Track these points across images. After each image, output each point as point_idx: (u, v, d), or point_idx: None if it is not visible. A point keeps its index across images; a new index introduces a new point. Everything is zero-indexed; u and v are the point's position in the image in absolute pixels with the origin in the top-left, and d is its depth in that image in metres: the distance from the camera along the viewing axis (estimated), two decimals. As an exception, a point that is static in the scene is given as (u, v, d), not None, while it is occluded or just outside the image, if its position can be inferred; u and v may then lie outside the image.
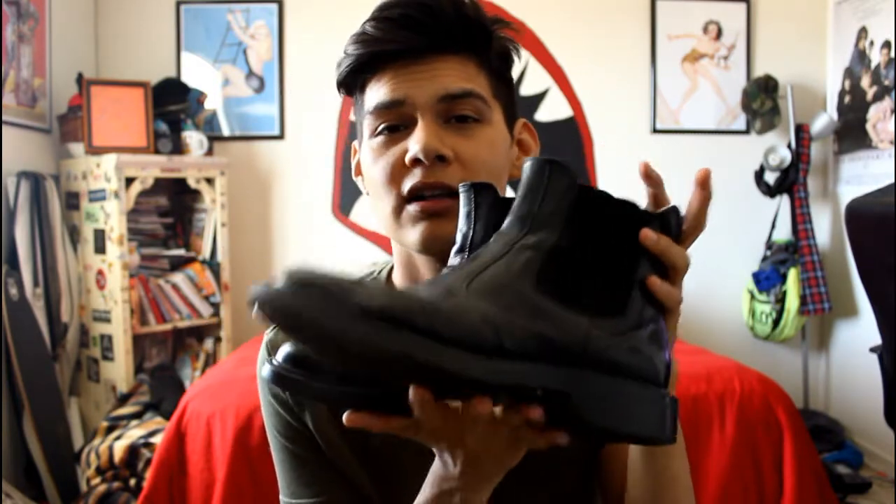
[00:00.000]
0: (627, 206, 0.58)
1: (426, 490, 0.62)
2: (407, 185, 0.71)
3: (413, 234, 0.72)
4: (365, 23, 0.74)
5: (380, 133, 0.74)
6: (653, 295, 0.57)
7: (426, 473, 0.64)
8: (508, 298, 0.53)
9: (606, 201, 0.58)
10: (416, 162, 0.70)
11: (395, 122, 0.73)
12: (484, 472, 0.59)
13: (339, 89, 0.79)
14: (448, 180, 0.70)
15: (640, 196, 0.61)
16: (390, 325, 0.46)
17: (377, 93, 0.73)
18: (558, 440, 0.54)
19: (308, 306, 0.48)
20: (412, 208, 0.72)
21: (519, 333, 0.51)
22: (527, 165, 0.58)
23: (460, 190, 0.60)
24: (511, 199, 0.59)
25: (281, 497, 0.83)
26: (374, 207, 0.78)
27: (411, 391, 0.51)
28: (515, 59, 0.79)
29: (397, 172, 0.72)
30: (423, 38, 0.72)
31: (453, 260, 0.59)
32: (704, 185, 0.60)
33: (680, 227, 0.61)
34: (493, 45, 0.76)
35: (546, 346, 0.52)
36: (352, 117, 0.81)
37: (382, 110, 0.73)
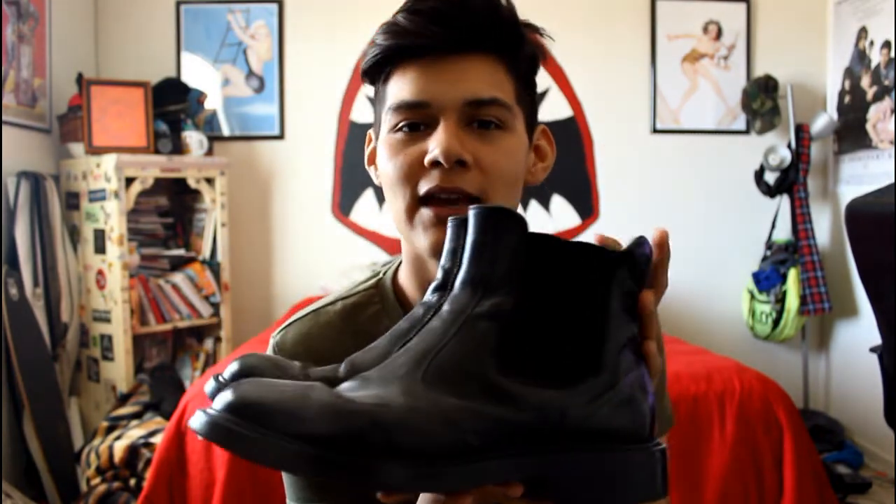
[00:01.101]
0: (588, 251, 0.52)
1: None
2: (423, 187, 0.70)
3: (425, 238, 0.72)
4: (397, 13, 0.72)
5: (399, 130, 0.72)
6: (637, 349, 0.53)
7: None
8: (468, 386, 0.48)
9: (563, 249, 0.51)
10: (435, 164, 0.69)
11: (417, 121, 0.72)
12: None
13: (362, 78, 0.77)
14: (466, 185, 0.69)
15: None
16: (340, 451, 0.43)
17: (402, 89, 0.72)
18: None
19: (249, 438, 0.43)
20: (426, 212, 0.71)
21: (483, 427, 0.47)
22: (471, 217, 0.52)
23: (449, 224, 0.55)
24: (547, 238, 0.53)
25: (288, 501, 0.82)
26: (388, 201, 0.76)
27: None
28: (541, 66, 0.78)
29: (414, 172, 0.71)
30: (454, 35, 0.70)
31: (430, 296, 0.54)
32: (662, 246, 0.56)
33: (649, 260, 0.54)
34: (523, 49, 0.75)
35: (515, 433, 0.48)
36: (366, 97, 0.79)
37: (405, 109, 0.71)
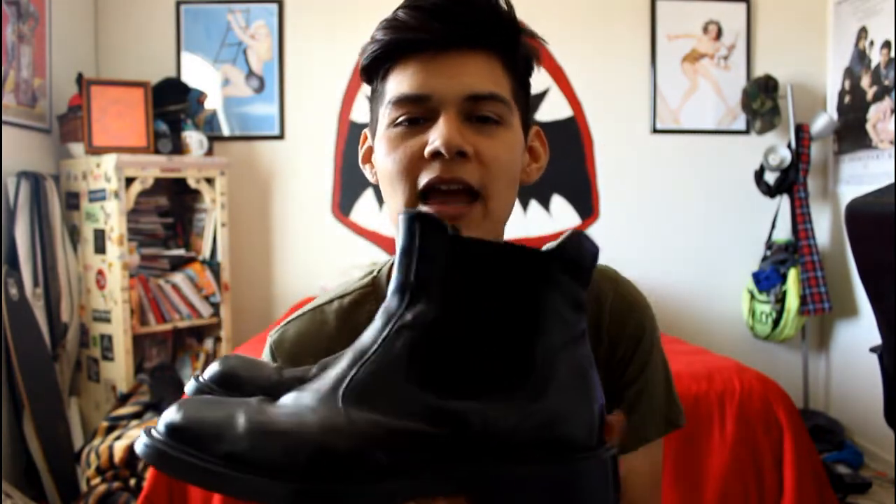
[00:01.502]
0: (516, 252, 0.49)
1: None
2: (424, 178, 0.71)
3: None
4: (397, 9, 0.72)
5: (399, 124, 0.73)
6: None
7: None
8: (383, 401, 0.47)
9: (490, 252, 0.49)
10: (435, 155, 0.70)
11: (417, 115, 0.72)
12: None
13: (360, 75, 0.78)
14: (466, 176, 0.70)
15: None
16: (255, 470, 0.45)
17: (401, 83, 0.72)
18: None
19: (180, 461, 0.45)
20: (426, 210, 0.71)
21: (395, 444, 0.46)
22: (399, 222, 0.51)
23: (400, 218, 0.52)
24: (472, 242, 0.50)
25: None
26: (385, 199, 0.77)
27: None
28: (536, 68, 0.79)
29: (414, 164, 0.71)
30: (454, 31, 0.71)
31: (391, 301, 0.51)
32: (611, 434, 0.53)
33: (595, 259, 0.51)
34: (520, 48, 0.76)
35: (429, 449, 0.47)
36: (367, 92, 0.79)
37: (406, 102, 0.72)
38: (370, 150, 0.80)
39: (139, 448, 0.47)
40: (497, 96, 0.72)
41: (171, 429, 0.46)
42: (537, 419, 0.48)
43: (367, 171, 0.82)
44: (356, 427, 0.46)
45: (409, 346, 0.49)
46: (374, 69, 0.75)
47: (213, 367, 0.58)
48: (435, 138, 0.69)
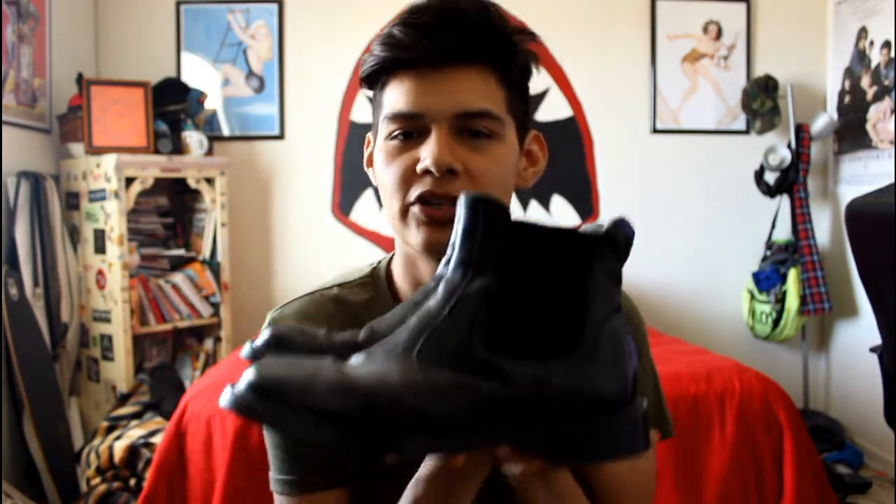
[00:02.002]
0: (568, 236, 0.56)
1: (427, 464, 0.66)
2: (415, 192, 0.74)
3: (417, 236, 0.75)
4: (393, 26, 0.75)
5: (394, 138, 0.76)
6: None
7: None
8: (458, 362, 0.53)
9: (545, 234, 0.56)
10: (426, 172, 0.73)
11: (411, 130, 0.75)
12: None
13: (360, 84, 0.81)
14: (455, 192, 0.72)
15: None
16: (343, 423, 0.50)
17: (397, 99, 0.75)
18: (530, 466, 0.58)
19: (266, 413, 0.50)
20: (417, 210, 0.75)
21: (472, 400, 0.52)
22: (461, 204, 0.57)
23: (461, 199, 0.58)
24: (530, 225, 0.57)
25: (270, 474, 0.83)
26: (383, 202, 0.80)
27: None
28: (535, 72, 0.81)
29: (408, 178, 0.75)
30: (446, 48, 0.73)
31: (441, 269, 0.58)
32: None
33: (631, 240, 0.58)
34: (515, 58, 0.77)
35: (501, 405, 0.53)
36: (365, 94, 0.84)
37: (400, 119, 0.75)
38: (373, 155, 0.83)
39: (224, 402, 0.51)
40: (488, 113, 0.74)
41: (256, 386, 0.50)
42: (586, 380, 0.55)
43: (370, 173, 0.85)
44: (433, 384, 0.52)
45: (475, 313, 0.55)
46: (372, 80, 0.79)
47: (266, 334, 0.62)
48: (426, 156, 0.73)
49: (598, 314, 0.56)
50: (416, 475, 0.67)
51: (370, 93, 0.82)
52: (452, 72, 0.74)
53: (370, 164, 0.84)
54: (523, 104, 0.81)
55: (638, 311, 0.89)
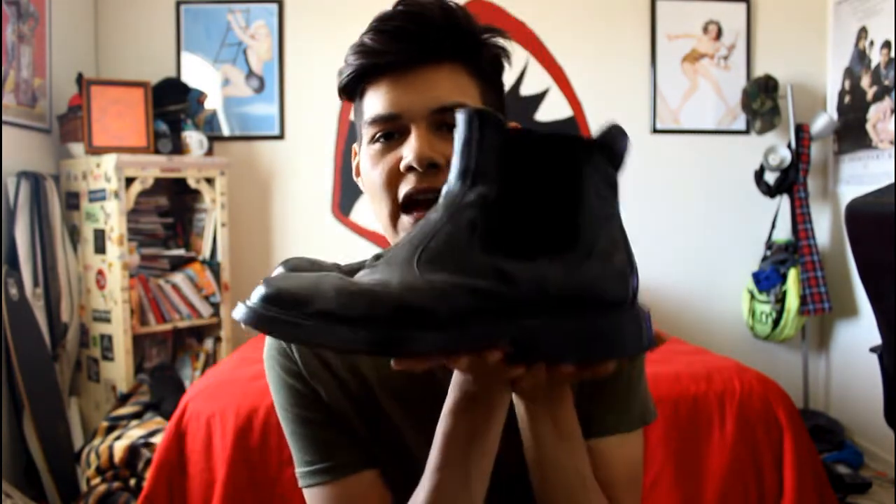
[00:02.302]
0: (561, 140, 0.58)
1: (451, 396, 0.68)
2: (402, 190, 0.77)
3: None
4: (363, 34, 0.78)
5: (377, 140, 0.79)
6: None
7: (411, 417, 0.76)
8: (457, 265, 0.55)
9: (540, 140, 0.57)
10: (410, 169, 0.75)
11: (391, 131, 0.78)
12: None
13: (340, 95, 0.84)
14: (440, 185, 0.74)
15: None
16: (346, 323, 0.52)
17: (375, 103, 0.78)
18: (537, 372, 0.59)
19: (276, 320, 0.52)
20: (407, 219, 0.77)
21: (471, 298, 0.54)
22: (458, 119, 0.59)
23: (458, 116, 0.59)
24: (524, 131, 0.58)
25: (297, 471, 0.83)
26: (374, 208, 0.83)
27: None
28: (506, 65, 0.84)
29: (393, 178, 0.77)
30: (416, 49, 0.76)
31: (454, 186, 0.59)
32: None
33: (625, 148, 0.59)
34: (484, 53, 0.80)
35: (500, 301, 0.54)
36: (351, 117, 0.87)
37: (379, 121, 0.78)
38: (360, 165, 0.86)
39: (238, 314, 0.53)
40: (463, 106, 0.75)
41: (266, 296, 0.53)
42: (583, 277, 0.56)
43: (360, 182, 0.87)
44: (432, 285, 0.54)
45: (474, 220, 0.56)
46: (351, 90, 0.82)
47: (279, 269, 0.66)
48: (407, 153, 0.75)
49: (595, 215, 0.57)
50: (443, 409, 0.69)
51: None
52: (425, 71, 0.77)
53: (359, 173, 0.87)
54: (498, 97, 0.84)
55: None
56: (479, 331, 0.54)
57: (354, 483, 0.79)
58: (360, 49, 0.78)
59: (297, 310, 0.51)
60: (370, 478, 0.80)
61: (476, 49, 0.80)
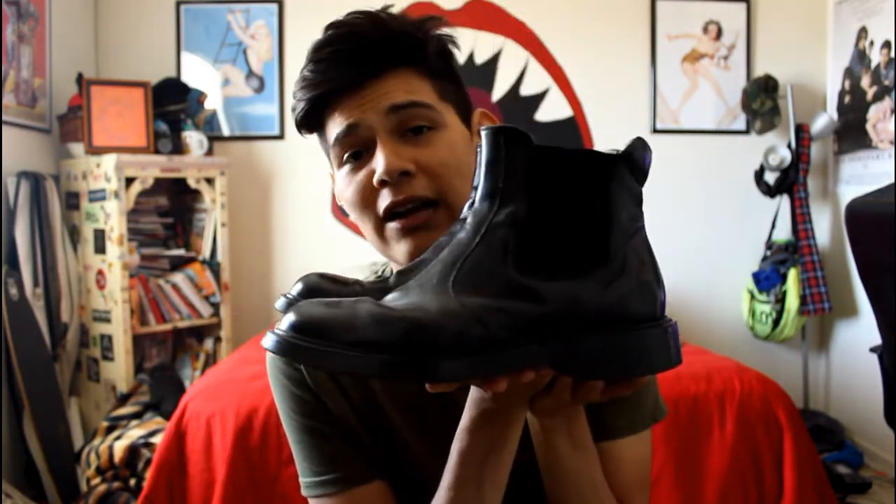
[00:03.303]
0: (588, 155, 0.58)
1: (468, 414, 0.67)
2: (381, 205, 0.76)
3: (400, 249, 0.77)
4: (303, 69, 0.78)
5: (346, 162, 0.79)
6: None
7: (418, 429, 0.74)
8: (491, 286, 0.55)
9: (566, 156, 0.58)
10: (383, 183, 0.74)
11: (357, 149, 0.77)
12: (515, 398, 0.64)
13: (299, 130, 0.84)
14: (418, 192, 0.74)
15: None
16: (387, 352, 0.51)
17: (334, 127, 0.78)
18: (563, 389, 0.60)
19: (312, 350, 0.51)
20: (392, 226, 0.76)
21: (507, 321, 0.54)
22: (483, 137, 0.58)
23: (483, 133, 0.59)
24: (552, 149, 0.58)
25: (301, 481, 0.83)
26: (361, 229, 0.82)
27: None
28: (455, 49, 0.82)
29: (369, 195, 0.76)
30: (357, 68, 0.76)
31: (480, 205, 0.59)
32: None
33: (649, 162, 0.60)
34: (426, 48, 0.79)
35: (536, 323, 0.54)
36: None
37: (343, 140, 0.77)
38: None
39: (268, 344, 0.52)
40: (417, 103, 0.76)
41: (298, 325, 0.52)
42: (615, 297, 0.56)
43: (343, 206, 0.85)
44: (468, 309, 0.53)
45: (505, 240, 0.56)
46: (310, 124, 0.82)
47: (299, 285, 0.65)
48: (377, 167, 0.74)
49: (623, 231, 0.57)
50: (459, 427, 0.68)
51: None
52: (373, 83, 0.76)
53: (339, 200, 0.86)
54: (455, 87, 0.81)
55: None
56: (517, 353, 0.54)
57: (362, 494, 0.79)
58: (305, 83, 0.78)
59: (334, 339, 0.51)
60: (378, 488, 0.80)
61: (416, 48, 0.78)
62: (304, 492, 0.82)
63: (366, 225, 0.79)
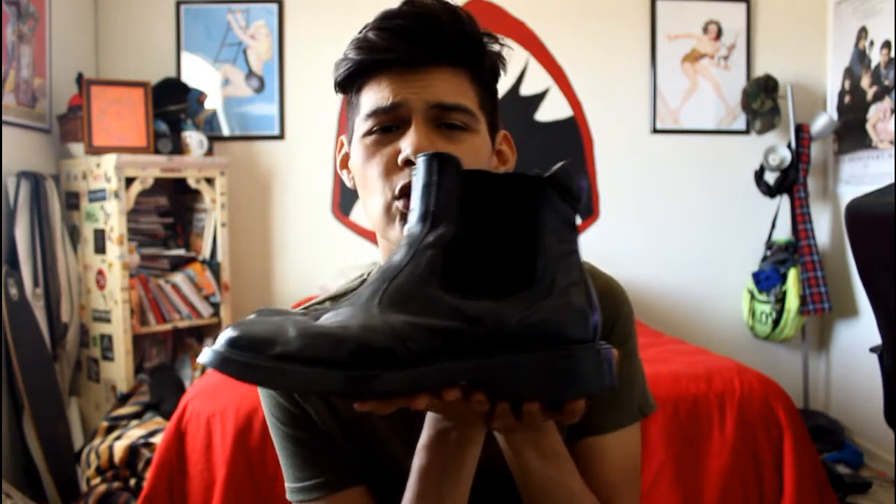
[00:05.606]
0: (515, 179, 0.59)
1: (426, 432, 0.69)
2: (399, 183, 0.76)
3: (400, 230, 0.77)
4: (367, 30, 0.77)
5: (373, 133, 0.78)
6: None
7: (406, 443, 0.74)
8: (415, 305, 0.56)
9: (496, 180, 0.59)
10: (407, 162, 0.74)
11: (389, 124, 0.77)
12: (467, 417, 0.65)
13: (336, 88, 0.83)
14: None
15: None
16: (308, 363, 0.52)
17: (375, 96, 0.77)
18: (499, 412, 0.60)
19: (239, 363, 0.53)
20: (400, 203, 0.76)
21: (426, 337, 0.54)
22: (418, 162, 0.60)
23: (419, 160, 0.60)
24: (481, 173, 0.60)
25: (286, 486, 0.84)
26: (364, 202, 0.82)
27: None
28: (502, 73, 0.84)
29: (390, 170, 0.76)
30: (421, 49, 0.76)
31: (415, 227, 0.60)
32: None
33: (582, 186, 0.60)
34: (485, 59, 0.80)
35: (455, 341, 0.55)
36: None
37: (379, 113, 0.77)
38: (347, 157, 0.86)
39: (204, 359, 0.54)
40: (462, 107, 0.77)
41: (231, 340, 0.54)
42: (540, 316, 0.57)
43: (344, 175, 0.87)
44: (392, 326, 0.55)
45: (433, 260, 0.58)
46: (348, 84, 0.81)
47: (252, 317, 0.67)
48: (406, 146, 0.74)
49: (552, 253, 0.58)
50: (418, 444, 0.70)
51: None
52: (427, 71, 0.76)
53: (344, 165, 0.87)
54: (493, 103, 0.84)
55: (624, 295, 0.89)
56: (436, 371, 0.54)
57: (345, 499, 0.81)
58: (363, 44, 0.77)
59: (260, 353, 0.52)
60: (360, 493, 0.82)
61: (477, 54, 0.80)
62: (288, 496, 0.84)
63: (374, 198, 0.79)
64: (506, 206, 0.58)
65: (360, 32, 0.78)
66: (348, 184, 0.86)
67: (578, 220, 0.62)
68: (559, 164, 0.60)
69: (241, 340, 0.53)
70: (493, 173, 0.59)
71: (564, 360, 0.57)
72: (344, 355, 0.53)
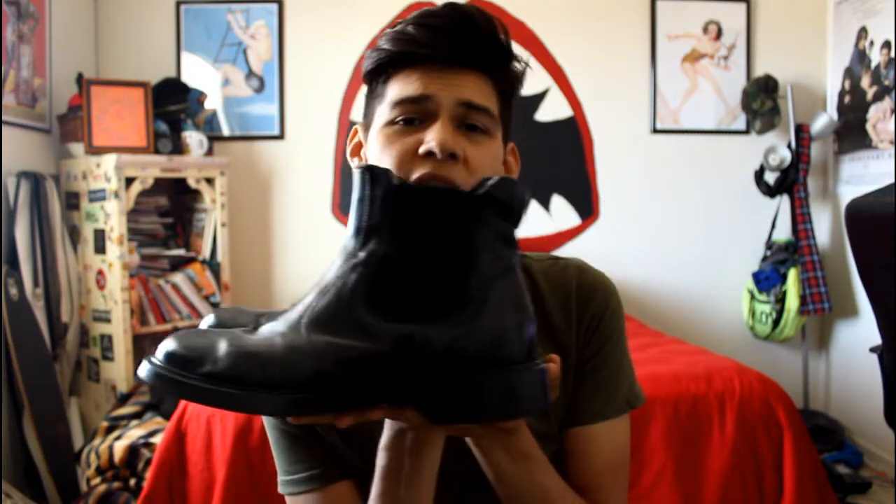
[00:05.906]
0: (449, 195, 0.58)
1: (385, 432, 0.70)
2: (416, 173, 0.75)
3: None
4: (406, 24, 0.79)
5: (396, 123, 0.79)
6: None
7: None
8: (339, 326, 0.56)
9: (431, 195, 0.58)
10: (428, 154, 0.75)
11: (414, 116, 0.78)
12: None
13: (363, 77, 0.85)
14: (454, 176, 0.75)
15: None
16: (233, 384, 0.53)
17: (404, 87, 0.78)
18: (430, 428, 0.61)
19: (170, 380, 0.54)
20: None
21: (346, 359, 0.54)
22: (354, 175, 0.59)
23: (354, 172, 0.60)
24: (412, 188, 0.59)
25: (280, 479, 0.87)
26: None
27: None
28: (520, 89, 0.86)
29: (408, 160, 0.76)
30: (456, 49, 0.78)
31: (349, 242, 0.60)
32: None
33: (521, 199, 0.59)
34: (510, 71, 0.82)
35: (375, 363, 0.55)
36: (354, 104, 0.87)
37: (407, 103, 0.78)
38: (359, 145, 0.87)
39: (142, 372, 0.55)
40: (487, 110, 0.79)
41: (166, 354, 0.55)
42: (474, 337, 0.56)
43: (354, 164, 0.87)
44: (313, 346, 0.54)
45: (361, 279, 0.57)
46: (376, 73, 0.82)
47: (209, 319, 0.70)
48: (430, 139, 0.75)
49: (486, 273, 0.57)
50: (379, 444, 0.71)
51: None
52: (456, 72, 0.78)
53: (355, 154, 0.88)
54: (509, 115, 0.85)
55: (612, 290, 0.90)
56: (355, 393, 0.54)
57: (336, 491, 0.83)
58: (400, 36, 0.78)
59: (191, 370, 0.53)
60: (350, 486, 0.83)
61: (505, 65, 0.82)
62: (280, 489, 0.86)
63: None
64: (439, 223, 0.57)
65: (397, 26, 0.80)
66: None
67: (517, 235, 0.60)
68: (495, 179, 0.58)
69: (175, 356, 0.54)
70: (427, 188, 0.59)
71: (495, 385, 0.56)
72: (267, 377, 0.53)
